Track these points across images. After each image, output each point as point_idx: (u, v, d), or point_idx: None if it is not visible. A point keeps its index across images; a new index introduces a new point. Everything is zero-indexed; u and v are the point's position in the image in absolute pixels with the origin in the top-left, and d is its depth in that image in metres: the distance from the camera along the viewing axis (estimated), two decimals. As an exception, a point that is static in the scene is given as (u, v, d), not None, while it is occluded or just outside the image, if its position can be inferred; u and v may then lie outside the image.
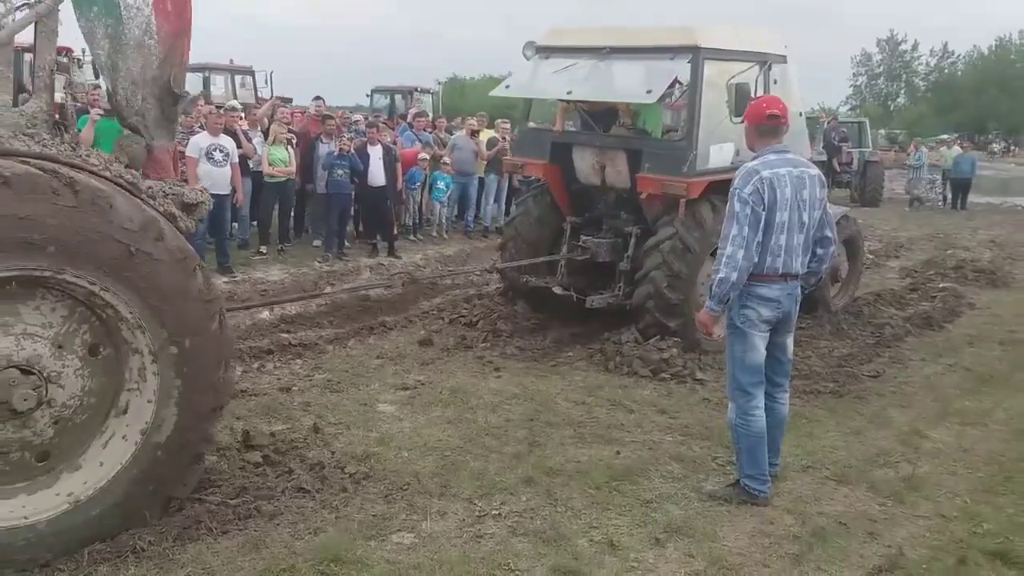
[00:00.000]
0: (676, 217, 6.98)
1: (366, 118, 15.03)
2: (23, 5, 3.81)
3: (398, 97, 25.50)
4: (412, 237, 12.87)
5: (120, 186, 3.54)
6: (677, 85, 7.61)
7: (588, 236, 7.76)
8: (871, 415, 5.84)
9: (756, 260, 4.18)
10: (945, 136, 29.20)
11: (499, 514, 4.21)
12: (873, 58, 75.72)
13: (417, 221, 13.24)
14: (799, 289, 4.43)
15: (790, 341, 4.55)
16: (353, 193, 11.19)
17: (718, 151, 7.07)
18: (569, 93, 7.49)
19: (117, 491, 3.64)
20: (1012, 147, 60.71)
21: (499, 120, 14.52)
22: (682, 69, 6.96)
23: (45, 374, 3.44)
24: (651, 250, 7.03)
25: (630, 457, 4.97)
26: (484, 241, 13.11)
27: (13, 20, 3.83)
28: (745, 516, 4.28)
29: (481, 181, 13.75)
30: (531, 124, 8.82)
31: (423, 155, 12.70)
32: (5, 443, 3.46)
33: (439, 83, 41.65)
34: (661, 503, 4.40)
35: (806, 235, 4.31)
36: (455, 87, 55.48)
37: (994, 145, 58.74)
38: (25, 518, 3.47)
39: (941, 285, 10.39)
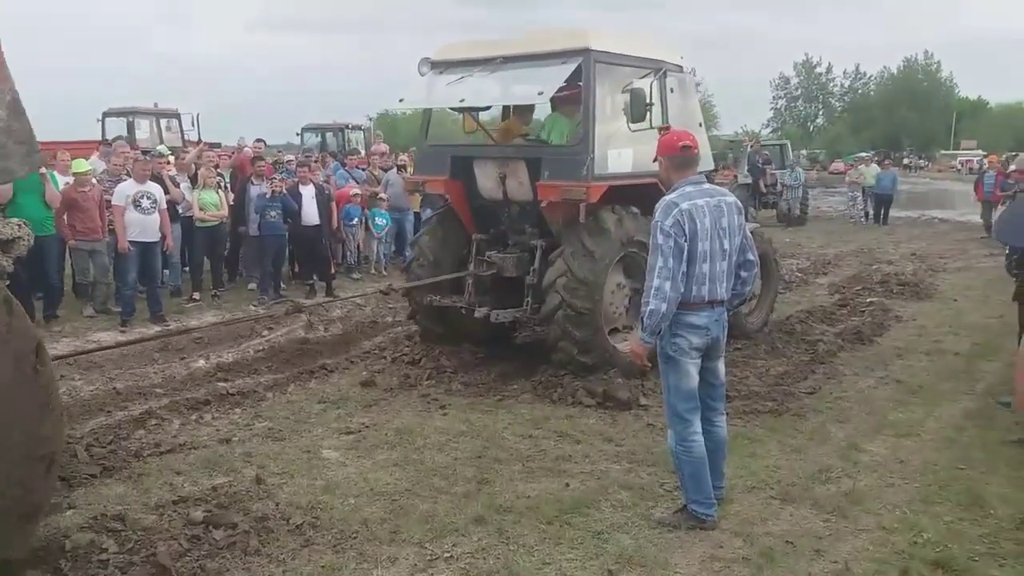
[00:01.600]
0: (577, 226, 6.95)
1: (296, 157, 14.92)
2: None
3: (329, 135, 25.35)
4: (354, 275, 12.78)
5: None
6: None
7: (494, 252, 7.68)
8: (810, 432, 5.98)
9: (683, 290, 4.28)
10: (864, 154, 30.38)
11: (451, 556, 4.16)
12: (791, 81, 78.78)
13: (356, 260, 13.17)
14: (726, 314, 4.54)
15: (721, 365, 4.64)
16: (287, 234, 11.06)
17: (616, 156, 7.08)
18: (462, 101, 7.40)
19: None
20: (926, 162, 63.51)
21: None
22: (573, 71, 6.92)
23: None
24: (555, 260, 7.00)
25: (579, 488, 4.98)
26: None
27: None
28: (695, 541, 4.33)
29: (418, 216, 13.74)
30: (429, 143, 8.51)
31: (355, 191, 12.70)
32: None
33: (370, 119, 41.59)
34: (612, 533, 4.41)
35: (729, 262, 4.42)
36: (387, 122, 55.49)
37: (907, 160, 61.34)
38: None
39: (869, 300, 10.76)
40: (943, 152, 67.99)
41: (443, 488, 4.99)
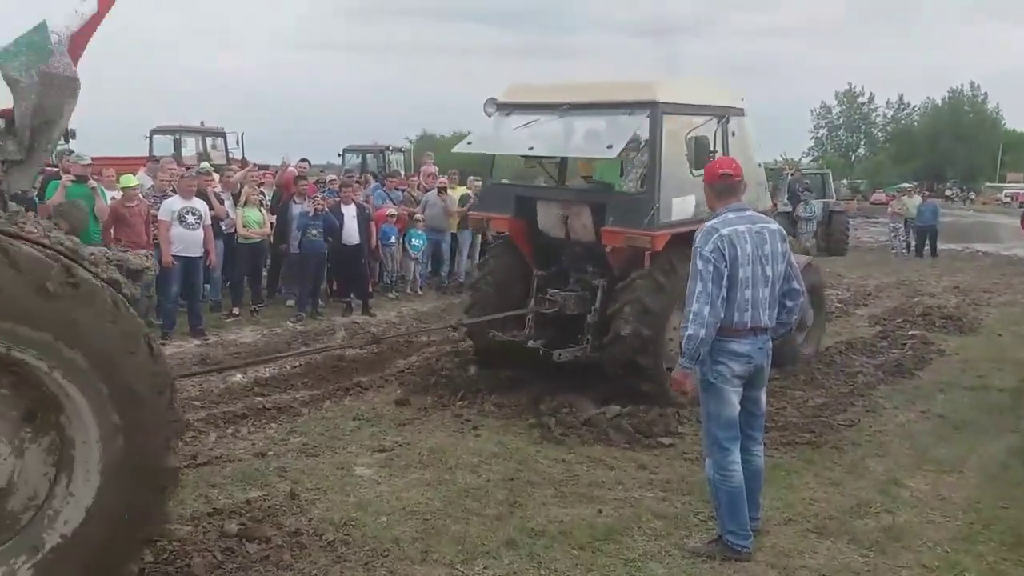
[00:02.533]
0: (638, 275, 7.00)
1: (339, 177, 15.13)
2: None
3: (369, 156, 25.67)
4: (390, 295, 12.89)
5: (60, 253, 3.34)
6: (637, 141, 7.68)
7: (556, 289, 7.70)
8: (848, 465, 5.87)
9: (723, 316, 4.25)
10: (906, 185, 29.96)
11: (482, 579, 4.15)
12: (833, 111, 78.12)
13: (392, 279, 13.29)
14: (770, 343, 4.48)
15: (763, 395, 4.59)
16: (327, 252, 11.20)
17: (680, 204, 7.11)
18: (531, 149, 7.55)
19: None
20: (969, 194, 62.26)
21: (471, 177, 14.68)
22: (641, 124, 7.03)
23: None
24: (623, 290, 7.03)
25: (612, 515, 4.94)
26: (459, 296, 13.10)
27: None
28: (729, 572, 4.26)
29: (455, 237, 13.86)
30: (495, 181, 8.82)
31: (391, 211, 12.87)
32: None
33: (410, 141, 41.98)
34: (645, 562, 4.36)
35: (772, 288, 4.39)
36: (427, 144, 56.21)
37: (948, 191, 60.16)
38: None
39: (910, 332, 10.55)
40: (988, 184, 66.73)
41: (475, 510, 4.99)
